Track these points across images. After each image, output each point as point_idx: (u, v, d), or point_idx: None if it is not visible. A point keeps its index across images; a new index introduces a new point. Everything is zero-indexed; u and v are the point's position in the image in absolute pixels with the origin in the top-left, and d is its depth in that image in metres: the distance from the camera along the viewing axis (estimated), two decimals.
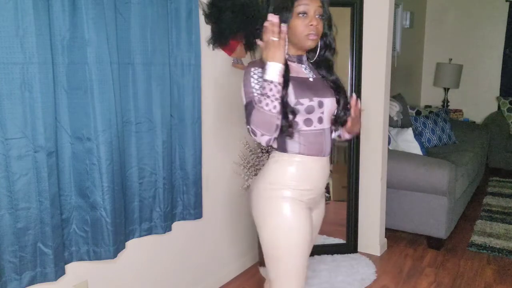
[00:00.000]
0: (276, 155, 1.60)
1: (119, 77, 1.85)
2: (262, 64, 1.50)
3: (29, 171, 1.59)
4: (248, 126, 1.49)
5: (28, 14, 1.50)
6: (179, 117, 2.17)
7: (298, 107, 1.52)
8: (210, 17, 2.32)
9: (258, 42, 1.48)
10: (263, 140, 1.47)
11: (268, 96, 1.42)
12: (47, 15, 1.57)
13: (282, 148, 1.58)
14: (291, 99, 1.51)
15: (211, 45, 2.38)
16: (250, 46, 2.60)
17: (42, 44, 1.55)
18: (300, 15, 1.51)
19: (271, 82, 1.43)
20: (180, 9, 2.07)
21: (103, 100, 1.76)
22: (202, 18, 2.28)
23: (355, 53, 2.90)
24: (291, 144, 1.57)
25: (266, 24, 1.43)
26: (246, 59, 2.66)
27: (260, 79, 1.49)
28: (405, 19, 4.89)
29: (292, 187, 1.57)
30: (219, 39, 2.39)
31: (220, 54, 2.48)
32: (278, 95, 1.43)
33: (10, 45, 1.49)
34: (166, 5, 2.01)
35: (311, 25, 1.51)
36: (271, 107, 1.43)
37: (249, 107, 1.49)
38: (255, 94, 1.48)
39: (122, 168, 1.92)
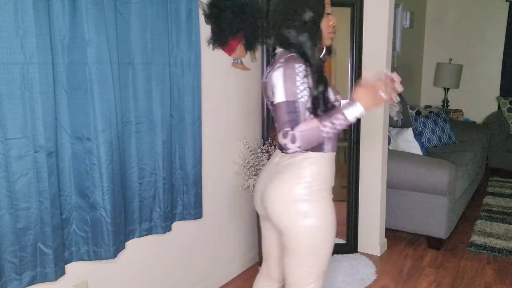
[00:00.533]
0: (310, 156, 1.55)
1: (119, 77, 1.85)
2: (301, 61, 1.47)
3: (29, 171, 1.59)
4: (288, 130, 1.42)
5: (28, 14, 1.50)
6: (179, 117, 2.17)
7: (337, 103, 1.55)
8: (210, 17, 2.32)
9: (371, 80, 1.42)
10: (293, 150, 1.43)
11: (335, 128, 1.41)
12: (47, 15, 1.57)
13: (319, 148, 1.55)
14: (331, 96, 1.53)
15: (211, 45, 2.38)
16: (250, 46, 2.60)
17: (42, 44, 1.55)
18: (327, 14, 1.54)
19: (346, 119, 1.41)
20: (180, 9, 2.07)
21: (103, 100, 1.76)
22: (202, 18, 2.28)
23: (355, 53, 2.90)
24: (327, 142, 1.57)
25: (386, 75, 1.41)
26: (246, 59, 2.66)
27: (304, 79, 1.45)
28: (405, 19, 4.89)
29: (329, 186, 1.60)
30: (219, 39, 2.40)
31: (220, 54, 2.48)
32: (340, 130, 1.44)
33: (10, 45, 1.49)
34: (166, 5, 2.01)
35: (333, 23, 1.55)
36: (327, 135, 1.42)
37: (291, 107, 1.43)
38: (300, 96, 1.44)
39: (122, 168, 1.92)
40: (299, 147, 1.43)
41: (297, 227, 1.54)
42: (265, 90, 1.62)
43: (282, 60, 1.49)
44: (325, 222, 1.56)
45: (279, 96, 1.45)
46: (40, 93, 1.56)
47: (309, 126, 1.42)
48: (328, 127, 1.42)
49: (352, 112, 1.42)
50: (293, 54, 1.50)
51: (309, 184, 1.54)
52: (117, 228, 1.88)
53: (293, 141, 1.42)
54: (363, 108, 1.42)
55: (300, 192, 1.53)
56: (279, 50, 1.58)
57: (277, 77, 1.46)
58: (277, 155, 1.65)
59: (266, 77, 1.60)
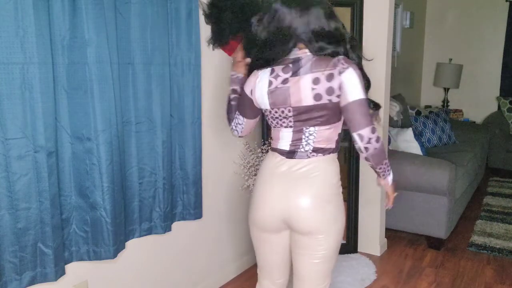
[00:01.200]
0: (330, 157, 1.61)
1: (119, 77, 1.85)
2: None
3: (29, 171, 1.59)
4: (375, 127, 1.52)
5: (28, 14, 1.50)
6: (179, 117, 2.17)
7: None
8: (210, 17, 2.32)
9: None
10: (370, 147, 1.52)
11: (387, 167, 1.70)
12: (47, 15, 1.57)
13: (337, 148, 1.64)
14: None
15: (211, 45, 2.38)
16: None
17: (42, 44, 1.55)
18: None
19: (389, 173, 1.74)
20: (180, 9, 2.07)
21: (103, 100, 1.76)
22: (202, 18, 2.28)
23: None
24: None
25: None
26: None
27: None
28: (405, 19, 4.89)
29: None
30: (219, 39, 2.39)
31: (220, 54, 2.48)
32: (383, 171, 1.69)
33: (10, 45, 1.49)
34: (166, 5, 2.01)
35: None
36: (386, 166, 1.68)
37: (368, 104, 1.53)
38: None
39: (122, 168, 1.92)
40: (375, 148, 1.51)
41: (332, 229, 1.58)
42: (280, 96, 1.54)
43: (343, 61, 1.49)
44: (344, 219, 1.66)
45: (359, 93, 1.49)
46: (40, 93, 1.56)
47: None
48: (387, 162, 1.63)
49: (391, 176, 1.72)
50: (342, 56, 1.52)
51: (336, 184, 1.60)
52: (117, 228, 1.88)
53: (378, 140, 1.52)
54: (389, 184, 1.75)
55: (332, 192, 1.58)
56: (306, 54, 1.52)
57: (351, 77, 1.48)
58: (282, 163, 1.59)
59: (284, 82, 1.52)
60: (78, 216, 1.82)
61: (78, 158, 1.77)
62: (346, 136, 2.99)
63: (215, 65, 2.46)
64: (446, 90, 5.59)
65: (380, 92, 2.97)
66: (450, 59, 5.66)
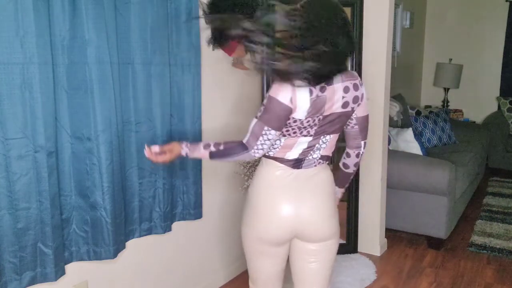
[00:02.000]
0: (327, 164, 1.68)
1: (119, 77, 1.85)
2: None
3: (29, 171, 1.59)
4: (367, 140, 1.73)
5: (28, 14, 1.50)
6: (179, 116, 2.17)
7: None
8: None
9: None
10: (363, 155, 1.75)
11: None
12: (47, 15, 1.57)
13: None
14: None
15: (211, 45, 2.38)
16: None
17: (42, 44, 1.55)
18: None
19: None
20: (180, 9, 2.07)
21: (103, 100, 1.76)
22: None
23: (355, 53, 2.89)
24: None
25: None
26: (246, 59, 2.66)
27: None
28: (405, 19, 4.89)
29: None
30: (219, 39, 2.39)
31: (220, 54, 2.48)
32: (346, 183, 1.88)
33: (10, 45, 1.49)
34: (166, 5, 2.01)
35: None
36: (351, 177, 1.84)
37: None
38: None
39: (122, 168, 1.92)
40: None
41: (338, 233, 1.67)
42: (318, 105, 1.47)
43: (355, 74, 1.57)
44: None
45: (367, 113, 1.64)
46: (40, 93, 1.56)
47: None
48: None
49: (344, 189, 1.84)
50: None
51: (334, 190, 1.68)
52: (117, 228, 1.88)
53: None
54: (340, 194, 1.83)
55: (334, 198, 1.67)
56: None
57: (365, 97, 1.61)
58: (288, 174, 1.56)
59: (322, 90, 1.46)
60: (78, 216, 1.82)
61: (78, 158, 1.77)
62: (345, 137, 3.01)
63: (215, 65, 2.46)
64: (446, 90, 5.59)
65: (380, 92, 2.97)
66: (450, 59, 5.66)
